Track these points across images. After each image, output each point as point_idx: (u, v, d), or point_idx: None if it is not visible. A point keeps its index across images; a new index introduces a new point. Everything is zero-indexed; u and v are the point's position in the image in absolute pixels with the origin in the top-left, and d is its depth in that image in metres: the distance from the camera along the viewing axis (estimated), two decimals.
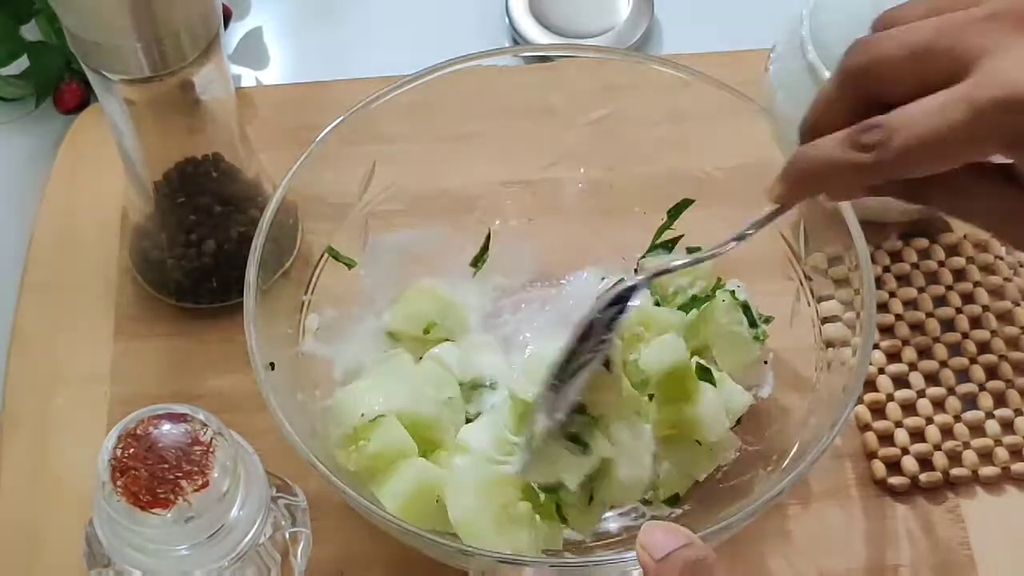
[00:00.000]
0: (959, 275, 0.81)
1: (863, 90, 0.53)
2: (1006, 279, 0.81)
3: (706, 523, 0.63)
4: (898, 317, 0.79)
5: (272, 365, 0.66)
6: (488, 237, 0.77)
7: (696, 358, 0.71)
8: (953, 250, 0.82)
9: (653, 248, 0.76)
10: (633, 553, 0.56)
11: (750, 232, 0.61)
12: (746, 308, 0.72)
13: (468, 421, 0.71)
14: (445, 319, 0.74)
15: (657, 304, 0.74)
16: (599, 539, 0.69)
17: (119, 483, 0.55)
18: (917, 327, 0.79)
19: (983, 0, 0.51)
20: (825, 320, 0.71)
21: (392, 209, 0.76)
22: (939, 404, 0.77)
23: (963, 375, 0.78)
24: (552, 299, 0.77)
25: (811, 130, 0.56)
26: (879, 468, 0.75)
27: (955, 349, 0.79)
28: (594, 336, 0.65)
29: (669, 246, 0.76)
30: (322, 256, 0.74)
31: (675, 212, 0.75)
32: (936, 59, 0.51)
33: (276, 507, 0.62)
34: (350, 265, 0.74)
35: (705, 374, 0.70)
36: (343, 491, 0.62)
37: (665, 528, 0.55)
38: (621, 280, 0.67)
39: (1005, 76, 0.49)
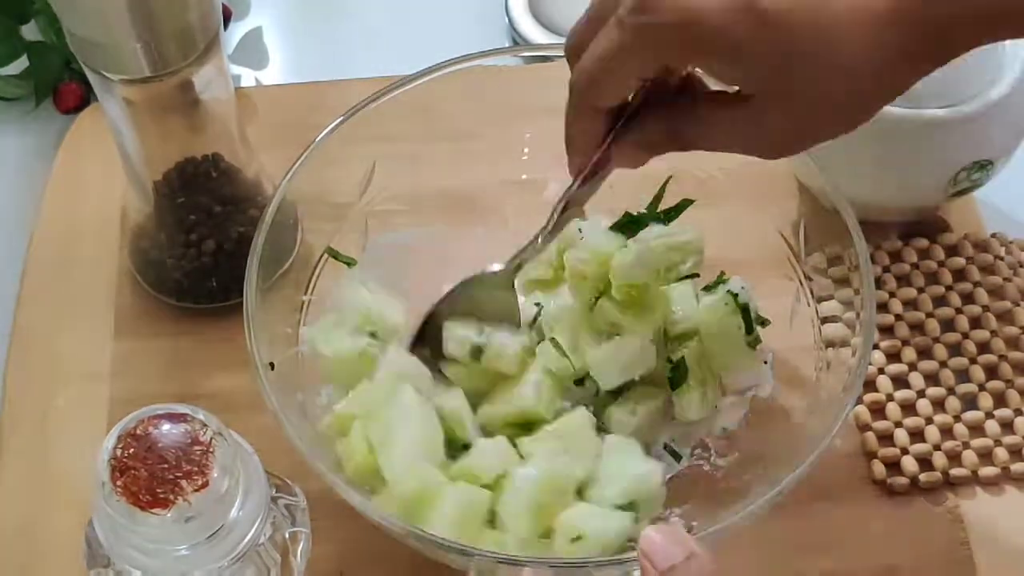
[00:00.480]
0: (959, 275, 0.81)
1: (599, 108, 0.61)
2: (1006, 279, 0.81)
3: (706, 523, 0.63)
4: (898, 317, 0.79)
5: (272, 365, 0.66)
6: None
7: (685, 348, 0.71)
8: (953, 250, 0.82)
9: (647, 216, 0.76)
10: (633, 553, 0.56)
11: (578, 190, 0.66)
12: (745, 311, 0.72)
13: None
14: None
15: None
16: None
17: (119, 483, 0.55)
18: (917, 327, 0.79)
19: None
20: (825, 320, 0.71)
21: (392, 209, 0.76)
22: (939, 404, 0.77)
23: (963, 375, 0.78)
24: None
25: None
26: (879, 468, 0.75)
27: (955, 349, 0.79)
28: None
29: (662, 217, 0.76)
30: (322, 256, 0.74)
31: (675, 212, 0.75)
32: (603, 14, 0.59)
33: (276, 507, 0.62)
34: (350, 264, 0.74)
35: (678, 375, 0.71)
36: (343, 491, 0.62)
37: (666, 535, 0.55)
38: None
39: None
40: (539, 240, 0.69)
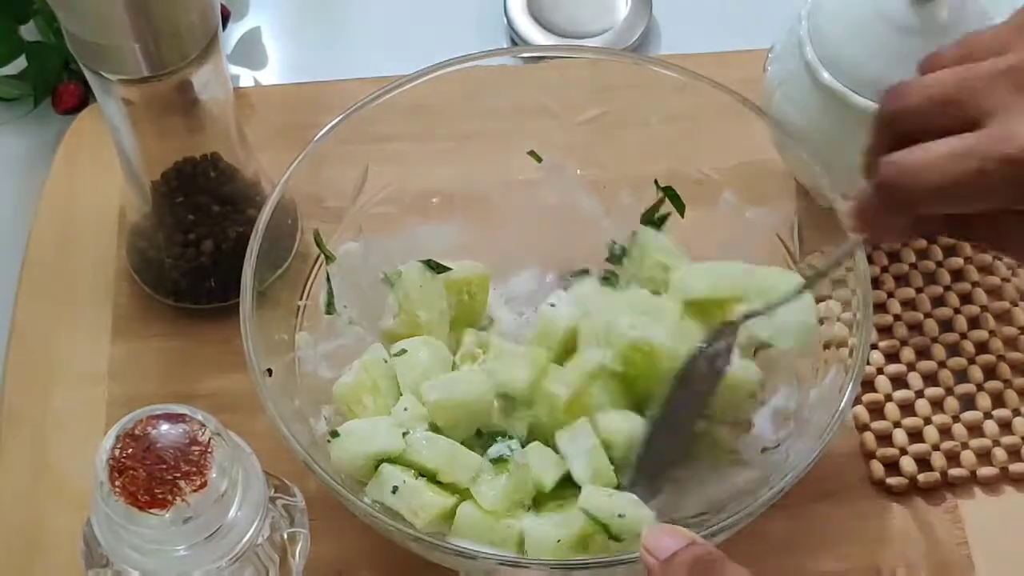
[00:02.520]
0: (957, 275, 0.81)
1: (896, 134, 0.56)
2: (1004, 279, 0.81)
3: (706, 523, 0.63)
4: (896, 317, 0.79)
5: (270, 371, 0.66)
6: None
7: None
8: (951, 250, 0.82)
9: (645, 222, 0.76)
10: (634, 553, 0.57)
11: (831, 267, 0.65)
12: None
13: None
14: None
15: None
16: None
17: (117, 483, 0.55)
18: (915, 327, 0.79)
19: (1009, 47, 0.54)
20: (823, 320, 0.71)
21: (391, 210, 0.76)
22: (937, 404, 0.77)
23: (961, 375, 0.78)
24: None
25: (866, 171, 0.59)
26: (877, 468, 0.75)
27: (953, 349, 0.79)
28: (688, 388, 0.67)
29: (658, 223, 0.76)
30: (319, 257, 0.74)
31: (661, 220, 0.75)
32: (954, 110, 0.54)
33: (274, 507, 0.62)
34: (330, 259, 0.73)
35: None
36: (340, 493, 0.62)
37: (668, 530, 0.55)
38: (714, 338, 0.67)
39: (1015, 136, 0.52)
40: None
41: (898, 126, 0.56)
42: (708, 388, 0.67)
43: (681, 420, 0.67)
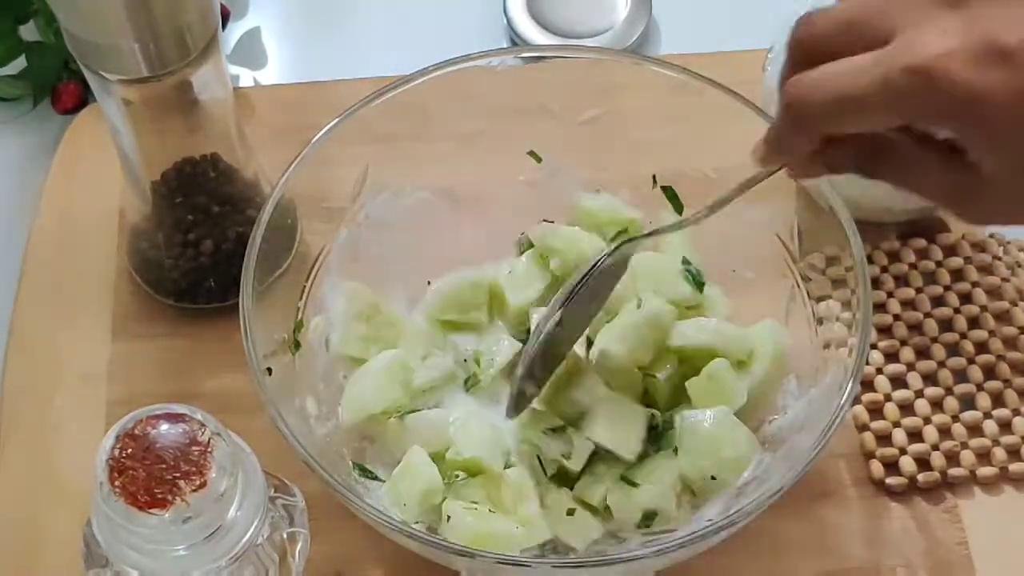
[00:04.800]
0: (957, 275, 0.81)
1: (807, 61, 0.56)
2: (1004, 279, 0.81)
3: (705, 523, 0.63)
4: (896, 317, 0.79)
5: (270, 371, 0.66)
6: None
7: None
8: (951, 250, 0.82)
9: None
10: (635, 553, 0.57)
11: (731, 197, 0.65)
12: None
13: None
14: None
15: None
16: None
17: (117, 483, 0.55)
18: (915, 327, 0.79)
19: None
20: (823, 320, 0.71)
21: (390, 209, 0.76)
22: (937, 404, 0.77)
23: (961, 375, 0.78)
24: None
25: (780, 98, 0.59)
26: (877, 468, 0.75)
27: (953, 349, 0.79)
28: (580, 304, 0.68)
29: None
30: (320, 256, 0.74)
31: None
32: (862, 30, 0.54)
33: (274, 507, 0.62)
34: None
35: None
36: (341, 493, 0.62)
37: None
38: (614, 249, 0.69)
39: (918, 46, 0.51)
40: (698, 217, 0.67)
41: (809, 52, 0.55)
42: (604, 291, 0.70)
43: (578, 317, 0.69)
